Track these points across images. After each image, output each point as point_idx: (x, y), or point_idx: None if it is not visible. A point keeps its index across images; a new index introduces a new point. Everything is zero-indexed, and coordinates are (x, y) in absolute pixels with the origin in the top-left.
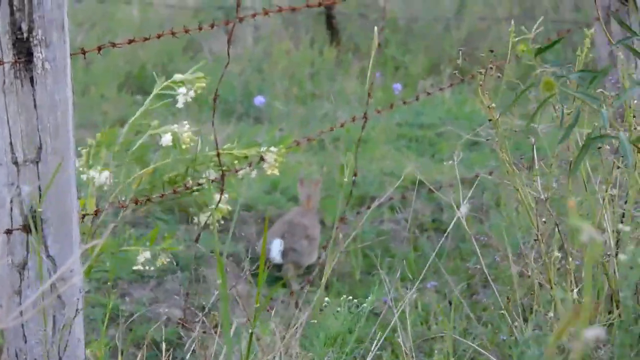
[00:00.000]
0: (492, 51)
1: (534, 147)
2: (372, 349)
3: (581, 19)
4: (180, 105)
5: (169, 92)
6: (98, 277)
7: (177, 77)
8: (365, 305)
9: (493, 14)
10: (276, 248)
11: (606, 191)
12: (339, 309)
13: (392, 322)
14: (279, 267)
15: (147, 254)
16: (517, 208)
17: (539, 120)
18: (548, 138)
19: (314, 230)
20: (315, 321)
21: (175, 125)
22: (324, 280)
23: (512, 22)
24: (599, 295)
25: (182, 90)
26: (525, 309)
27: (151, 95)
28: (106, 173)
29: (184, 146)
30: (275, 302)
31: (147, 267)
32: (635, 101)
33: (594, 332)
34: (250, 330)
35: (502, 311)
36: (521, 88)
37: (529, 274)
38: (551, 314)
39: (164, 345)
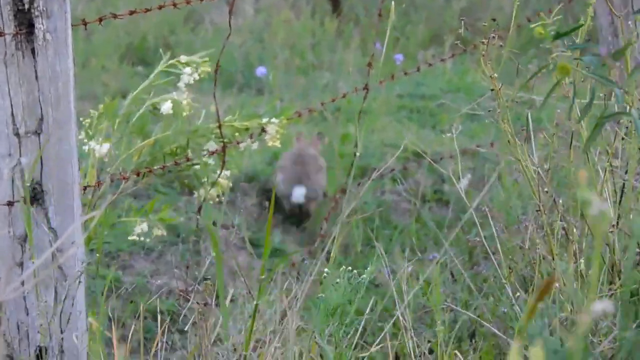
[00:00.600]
0: (494, 20)
1: (528, 117)
2: (370, 320)
3: None
4: (181, 84)
5: (172, 70)
6: (98, 248)
7: (183, 58)
8: (364, 276)
9: None
10: (299, 193)
11: (607, 162)
12: (338, 280)
13: (391, 293)
14: (300, 207)
15: (144, 226)
16: (517, 180)
17: (538, 92)
18: (548, 109)
19: (321, 160)
20: (316, 293)
21: (174, 93)
22: (333, 254)
23: None
24: (601, 266)
25: (187, 70)
26: (526, 280)
27: (155, 71)
28: (107, 145)
29: (184, 114)
30: (275, 273)
31: (142, 239)
32: None
33: (601, 305)
34: (255, 302)
35: (504, 282)
36: (522, 58)
37: (530, 245)
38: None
39: (159, 317)
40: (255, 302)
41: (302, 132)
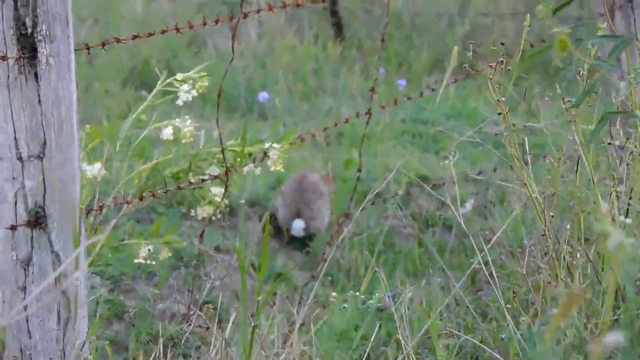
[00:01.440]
0: (503, 44)
1: (526, 142)
2: (375, 345)
3: (585, 14)
4: (180, 102)
5: (172, 88)
6: (102, 273)
7: (179, 75)
8: (371, 302)
9: (497, 9)
10: (298, 226)
11: (613, 187)
12: (345, 305)
13: (392, 317)
14: (301, 239)
15: (149, 249)
16: (523, 204)
17: (543, 118)
18: (552, 135)
19: (323, 187)
20: (319, 317)
21: (177, 120)
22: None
23: (528, 16)
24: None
25: (185, 87)
26: (530, 305)
27: (153, 91)
28: (98, 165)
29: (184, 141)
30: (278, 297)
31: (148, 262)
32: None
33: (614, 338)
34: (252, 325)
35: (507, 306)
36: (526, 82)
37: (533, 270)
38: (555, 310)
39: (161, 341)
40: (253, 325)
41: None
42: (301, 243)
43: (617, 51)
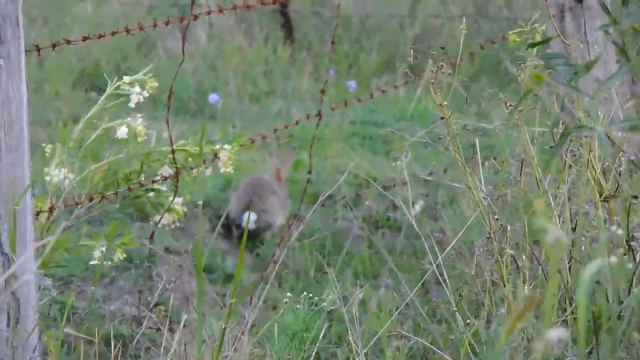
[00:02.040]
0: (443, 48)
1: (477, 145)
2: (325, 346)
3: (535, 15)
4: (132, 105)
5: (121, 91)
6: (52, 274)
7: (127, 78)
8: (325, 304)
9: (447, 12)
10: (250, 219)
11: (558, 189)
12: (298, 306)
13: (342, 318)
14: (254, 233)
15: (103, 249)
16: (471, 206)
17: (493, 119)
18: (500, 136)
19: (280, 190)
20: (268, 319)
21: (129, 119)
22: (272, 279)
23: (464, 19)
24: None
25: (136, 89)
26: (478, 306)
27: (104, 95)
28: (64, 171)
29: (139, 139)
30: (226, 299)
31: (102, 262)
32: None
33: (556, 333)
34: (223, 326)
35: (455, 309)
36: (476, 85)
37: (480, 272)
38: (503, 311)
39: (112, 343)
40: (223, 327)
41: (273, 152)
42: (251, 244)
43: (579, 76)
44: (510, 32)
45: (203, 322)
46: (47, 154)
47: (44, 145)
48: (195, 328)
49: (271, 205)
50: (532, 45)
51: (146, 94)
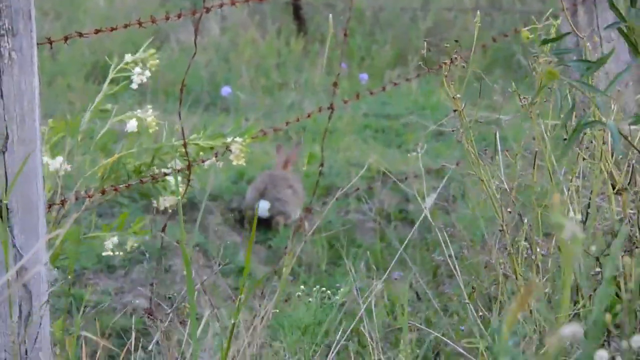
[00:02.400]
0: (457, 41)
1: (497, 136)
2: (339, 339)
3: (546, 9)
4: (134, 86)
5: (128, 74)
6: (64, 267)
7: (128, 57)
8: (337, 297)
9: (460, 4)
10: (263, 207)
11: (571, 181)
12: (310, 299)
13: (359, 313)
14: (267, 222)
15: (115, 240)
16: (483, 199)
17: (505, 112)
18: (512, 129)
19: (297, 184)
20: (279, 311)
21: (139, 111)
22: (286, 272)
23: (478, 12)
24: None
25: (137, 69)
26: (490, 299)
27: (107, 80)
28: (60, 159)
29: (150, 130)
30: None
31: (116, 253)
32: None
33: (571, 329)
34: (232, 321)
35: (466, 302)
36: (488, 78)
37: (493, 264)
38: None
39: (124, 336)
40: (233, 322)
41: (281, 144)
42: (264, 236)
43: (592, 71)
44: (523, 29)
45: (211, 315)
46: (52, 144)
47: (49, 135)
48: (207, 321)
49: (286, 196)
50: (546, 42)
51: (148, 74)
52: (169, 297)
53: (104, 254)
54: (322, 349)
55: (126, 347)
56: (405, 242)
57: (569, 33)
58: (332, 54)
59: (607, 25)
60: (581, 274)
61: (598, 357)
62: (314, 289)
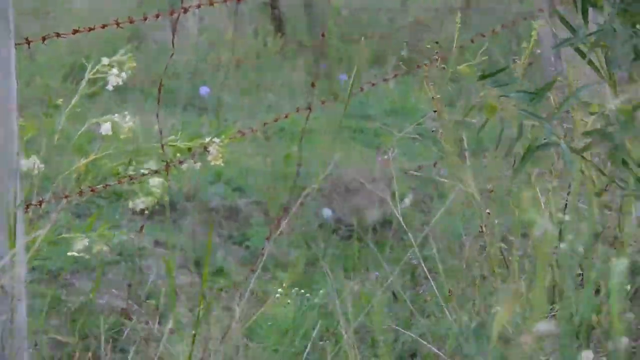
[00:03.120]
0: (437, 42)
1: (463, 138)
2: (315, 340)
3: (525, 9)
4: (110, 87)
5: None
6: (40, 267)
7: (105, 60)
8: (316, 300)
9: (438, 5)
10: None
11: (549, 182)
12: (289, 301)
13: (332, 312)
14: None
15: (86, 242)
16: (460, 200)
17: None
18: (490, 131)
19: None
20: (257, 312)
21: (117, 115)
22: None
23: (458, 13)
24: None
25: (114, 71)
26: (467, 300)
27: (83, 82)
28: (34, 158)
29: (122, 136)
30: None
31: (84, 256)
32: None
33: (545, 327)
34: (197, 322)
35: (442, 304)
36: (466, 79)
37: (470, 265)
38: (495, 306)
39: (102, 337)
40: (193, 332)
41: None
42: (241, 235)
43: (537, 101)
44: (461, 66)
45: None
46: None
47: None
48: (185, 322)
49: None
50: (483, 77)
51: (124, 76)
52: (146, 300)
53: (68, 253)
54: (299, 349)
55: (102, 348)
56: (380, 242)
57: (505, 68)
58: (311, 54)
59: (559, 42)
60: (562, 274)
61: (584, 357)
62: (292, 290)
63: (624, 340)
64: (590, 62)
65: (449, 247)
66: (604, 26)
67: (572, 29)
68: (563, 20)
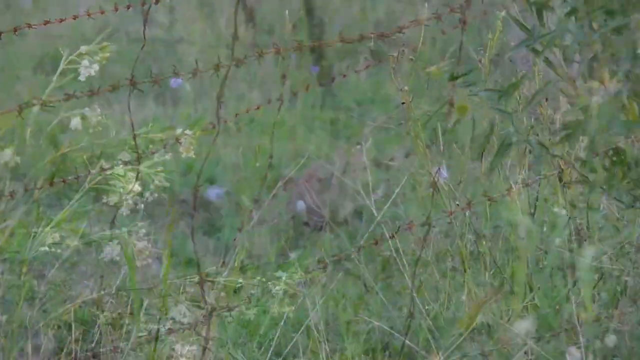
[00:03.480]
0: (403, 33)
1: (438, 130)
2: (284, 332)
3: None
4: (82, 78)
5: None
6: (12, 258)
7: (83, 49)
8: (278, 287)
9: None
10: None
11: (519, 174)
12: (252, 291)
13: (303, 303)
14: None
15: (56, 236)
16: (431, 192)
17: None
18: (462, 122)
19: None
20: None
21: (87, 109)
22: (238, 264)
23: (426, 4)
24: (514, 279)
25: (85, 62)
26: (439, 292)
27: (57, 72)
28: (8, 151)
29: (91, 130)
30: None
31: (56, 250)
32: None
33: (524, 325)
34: (164, 312)
35: (414, 295)
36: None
37: (440, 258)
38: (463, 297)
39: (73, 327)
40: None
41: None
42: (212, 228)
43: (505, 98)
44: (430, 68)
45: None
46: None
47: None
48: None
49: None
50: (454, 78)
51: (97, 67)
52: (119, 290)
53: (41, 248)
54: (266, 342)
55: (74, 338)
56: (353, 233)
57: (474, 68)
58: (281, 45)
59: (518, 44)
60: (534, 268)
61: (569, 355)
62: (256, 279)
63: (612, 338)
64: (546, 60)
65: (421, 239)
66: (559, 26)
67: (528, 30)
68: (516, 21)
